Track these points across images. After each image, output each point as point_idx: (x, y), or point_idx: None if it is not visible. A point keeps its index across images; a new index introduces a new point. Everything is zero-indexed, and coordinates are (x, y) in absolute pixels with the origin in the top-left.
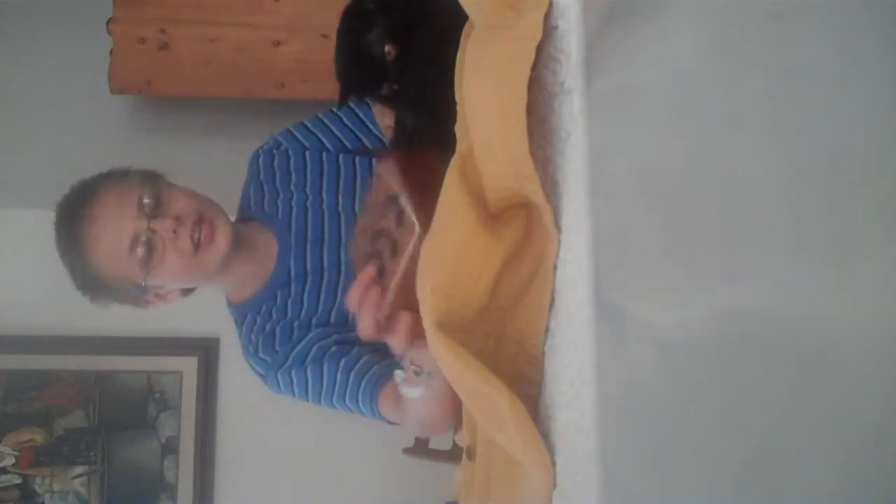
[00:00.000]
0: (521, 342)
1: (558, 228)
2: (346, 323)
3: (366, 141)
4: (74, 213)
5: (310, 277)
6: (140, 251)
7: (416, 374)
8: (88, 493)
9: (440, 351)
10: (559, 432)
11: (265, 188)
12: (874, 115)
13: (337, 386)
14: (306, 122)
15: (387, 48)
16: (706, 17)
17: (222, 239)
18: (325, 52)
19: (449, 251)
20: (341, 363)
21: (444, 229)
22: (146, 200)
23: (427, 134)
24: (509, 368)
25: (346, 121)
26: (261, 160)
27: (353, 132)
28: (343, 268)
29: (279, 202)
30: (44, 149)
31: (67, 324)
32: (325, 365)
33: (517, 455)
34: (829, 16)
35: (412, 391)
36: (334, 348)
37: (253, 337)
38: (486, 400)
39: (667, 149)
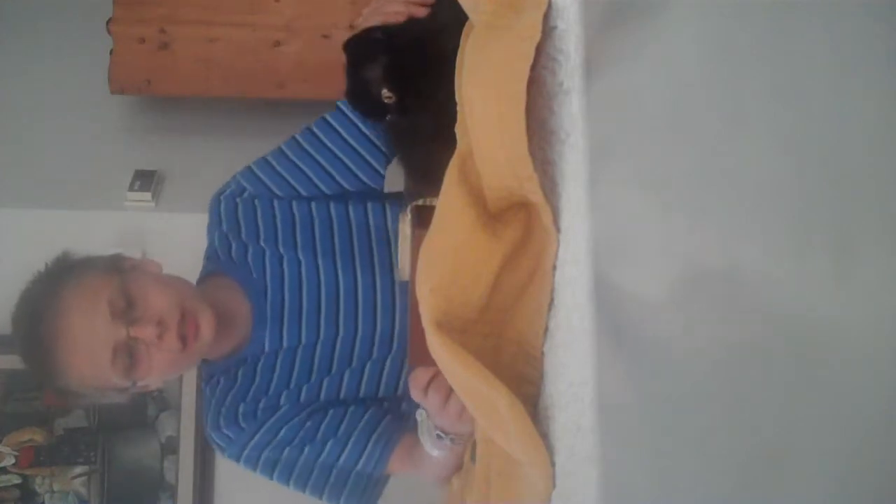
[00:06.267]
0: (520, 342)
1: (557, 228)
2: (316, 400)
3: (339, 178)
4: (39, 329)
5: (283, 354)
6: (123, 361)
7: (440, 438)
8: (88, 493)
9: (439, 351)
10: (558, 432)
11: (230, 238)
12: (874, 114)
13: (322, 462)
14: (269, 159)
15: (384, 92)
16: (706, 18)
17: (207, 329)
18: (325, 52)
19: (448, 251)
20: (328, 438)
21: (444, 229)
22: (117, 302)
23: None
24: (509, 368)
25: (312, 151)
26: (222, 207)
27: (323, 168)
28: (321, 340)
29: (249, 257)
30: (44, 149)
31: None
32: (306, 448)
33: (517, 455)
34: (829, 16)
35: (434, 450)
36: (308, 423)
37: (215, 403)
38: (485, 400)
39: (666, 149)
